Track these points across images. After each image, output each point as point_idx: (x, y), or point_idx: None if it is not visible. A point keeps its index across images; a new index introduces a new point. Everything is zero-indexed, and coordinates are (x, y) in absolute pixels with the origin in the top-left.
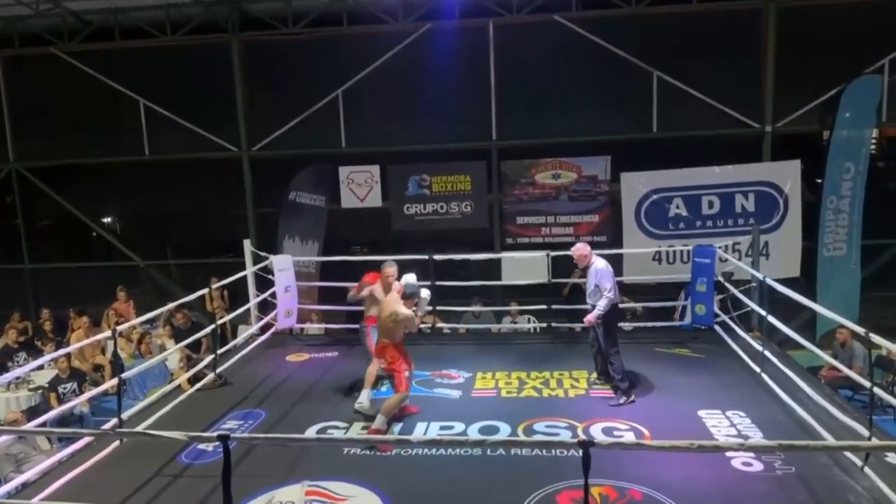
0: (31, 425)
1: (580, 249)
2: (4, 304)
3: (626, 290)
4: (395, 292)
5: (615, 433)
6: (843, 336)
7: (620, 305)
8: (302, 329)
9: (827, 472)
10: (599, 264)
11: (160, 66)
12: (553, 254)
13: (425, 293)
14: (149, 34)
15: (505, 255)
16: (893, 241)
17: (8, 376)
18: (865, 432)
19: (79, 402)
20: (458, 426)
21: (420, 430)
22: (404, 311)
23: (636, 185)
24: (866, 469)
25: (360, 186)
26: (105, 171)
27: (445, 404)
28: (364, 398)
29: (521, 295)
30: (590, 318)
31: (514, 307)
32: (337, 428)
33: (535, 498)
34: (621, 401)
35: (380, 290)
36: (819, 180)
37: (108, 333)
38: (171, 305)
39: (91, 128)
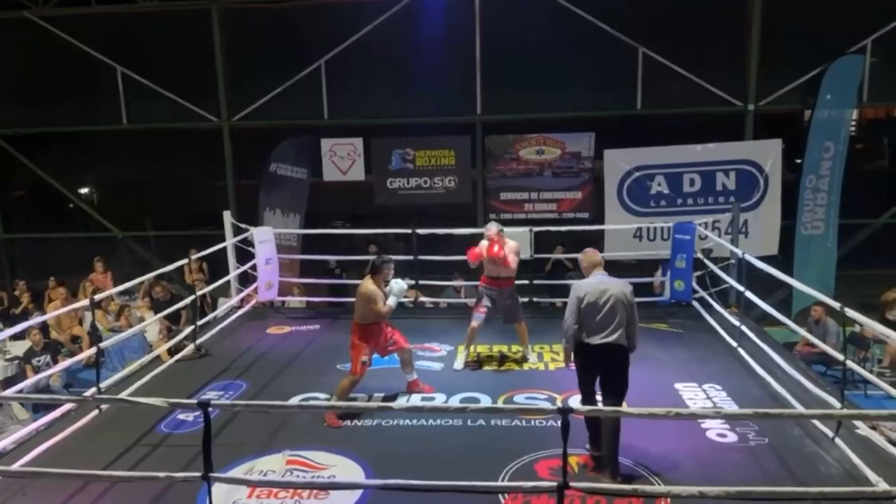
0: (7, 394)
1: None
2: None
3: (607, 266)
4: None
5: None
6: (818, 313)
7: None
8: (283, 302)
9: (799, 443)
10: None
11: (138, 33)
12: (536, 229)
13: (399, 285)
14: None
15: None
16: (869, 220)
17: None
18: (837, 404)
19: (52, 374)
20: (440, 398)
21: (402, 402)
22: (372, 288)
23: (619, 162)
24: (837, 440)
25: (343, 159)
26: (82, 140)
27: (427, 377)
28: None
29: None
30: None
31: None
32: (318, 399)
33: (514, 467)
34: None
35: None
36: (799, 160)
37: (85, 302)
38: (148, 276)
39: (67, 95)
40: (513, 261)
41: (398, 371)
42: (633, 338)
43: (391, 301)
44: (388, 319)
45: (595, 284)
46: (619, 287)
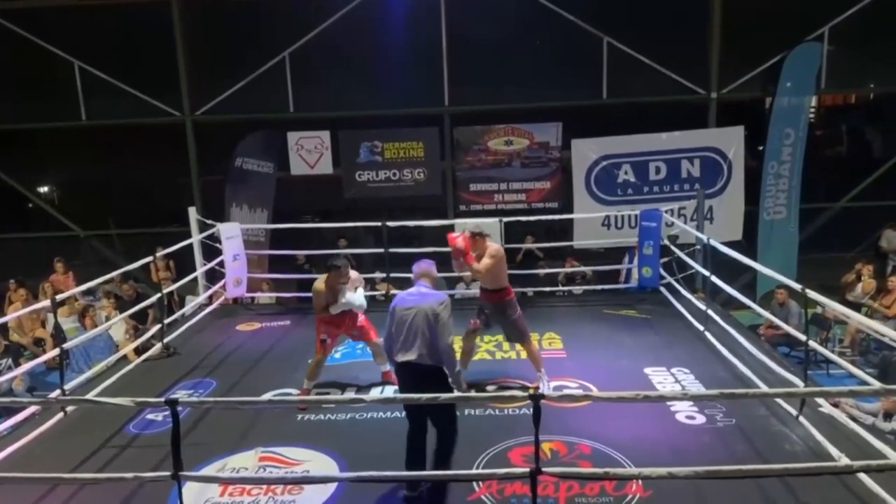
0: None
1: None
2: None
3: (576, 254)
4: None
5: (564, 391)
6: (782, 297)
7: (569, 270)
8: (252, 299)
9: (765, 422)
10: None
11: (96, 26)
12: (506, 220)
13: (351, 297)
14: None
15: (458, 221)
16: (829, 204)
17: None
18: (801, 384)
19: (14, 377)
20: None
21: (374, 394)
22: (318, 287)
23: (586, 151)
24: (801, 418)
25: (310, 153)
26: (40, 138)
27: None
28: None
29: None
30: None
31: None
32: (290, 395)
33: (487, 456)
34: None
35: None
36: (761, 146)
37: (46, 303)
38: (111, 274)
39: (23, 92)
40: (484, 265)
41: (371, 364)
42: (441, 358)
43: (333, 308)
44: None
45: (405, 297)
46: (428, 302)
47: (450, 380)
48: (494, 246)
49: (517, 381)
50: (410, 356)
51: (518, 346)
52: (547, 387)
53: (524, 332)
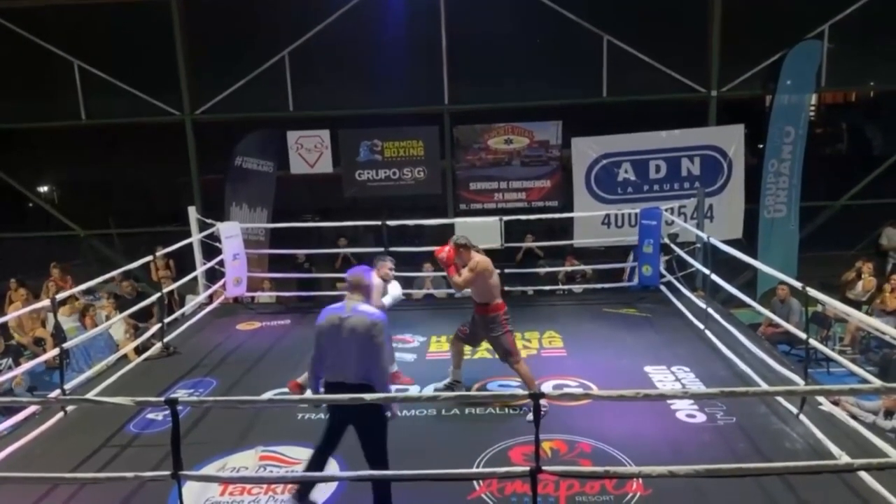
0: None
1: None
2: None
3: (576, 253)
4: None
5: (565, 389)
6: (784, 293)
7: (569, 269)
8: (252, 298)
9: (765, 421)
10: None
11: (95, 25)
12: (506, 218)
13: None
14: None
15: (458, 220)
16: (829, 202)
17: None
18: (801, 382)
19: (14, 377)
20: (414, 388)
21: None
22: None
23: (586, 150)
24: (801, 416)
25: (310, 152)
26: (40, 137)
27: (401, 368)
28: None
29: None
30: None
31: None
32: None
33: (488, 454)
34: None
35: None
36: (761, 145)
37: (46, 303)
38: (112, 273)
39: (22, 91)
40: (463, 278)
41: None
42: (374, 382)
43: (386, 302)
44: None
45: (336, 311)
46: (359, 317)
47: (388, 409)
48: (477, 258)
49: (517, 380)
50: (340, 378)
51: (518, 344)
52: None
53: (510, 352)
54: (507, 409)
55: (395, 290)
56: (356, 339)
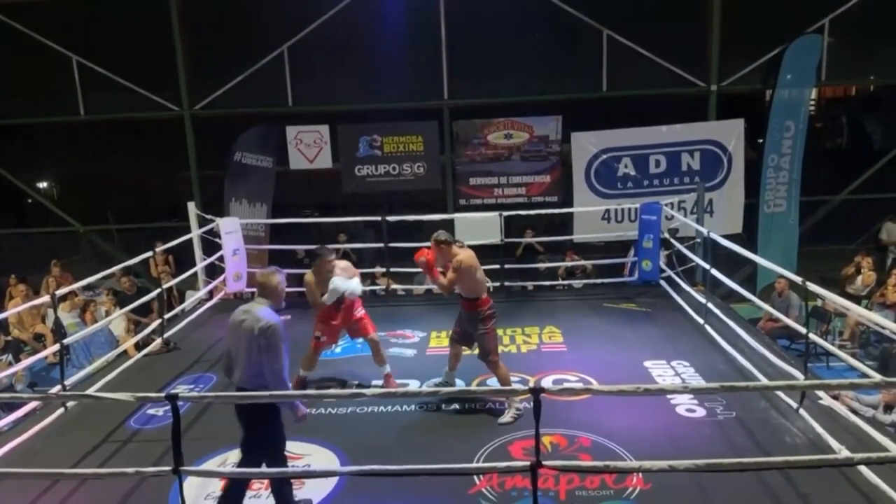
0: None
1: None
2: None
3: (576, 248)
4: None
5: (565, 384)
6: (782, 286)
7: (569, 264)
8: (253, 294)
9: (765, 415)
10: None
11: (94, 21)
12: (506, 214)
13: (334, 285)
14: None
15: (458, 215)
16: (829, 197)
17: None
18: (801, 376)
19: (15, 373)
20: (414, 384)
21: (375, 388)
22: (307, 278)
23: (586, 144)
24: (801, 411)
25: (309, 147)
26: (38, 133)
27: (401, 363)
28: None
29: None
30: None
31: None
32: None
33: (488, 449)
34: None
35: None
36: (760, 139)
37: (46, 299)
38: (110, 270)
39: (20, 87)
40: (449, 280)
41: (371, 359)
42: (268, 387)
43: (326, 297)
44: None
45: (239, 312)
46: (253, 319)
47: (293, 412)
48: (460, 256)
49: (517, 375)
50: (236, 378)
51: (518, 339)
52: (509, 417)
53: (490, 351)
54: (506, 405)
55: (341, 284)
56: (247, 342)
